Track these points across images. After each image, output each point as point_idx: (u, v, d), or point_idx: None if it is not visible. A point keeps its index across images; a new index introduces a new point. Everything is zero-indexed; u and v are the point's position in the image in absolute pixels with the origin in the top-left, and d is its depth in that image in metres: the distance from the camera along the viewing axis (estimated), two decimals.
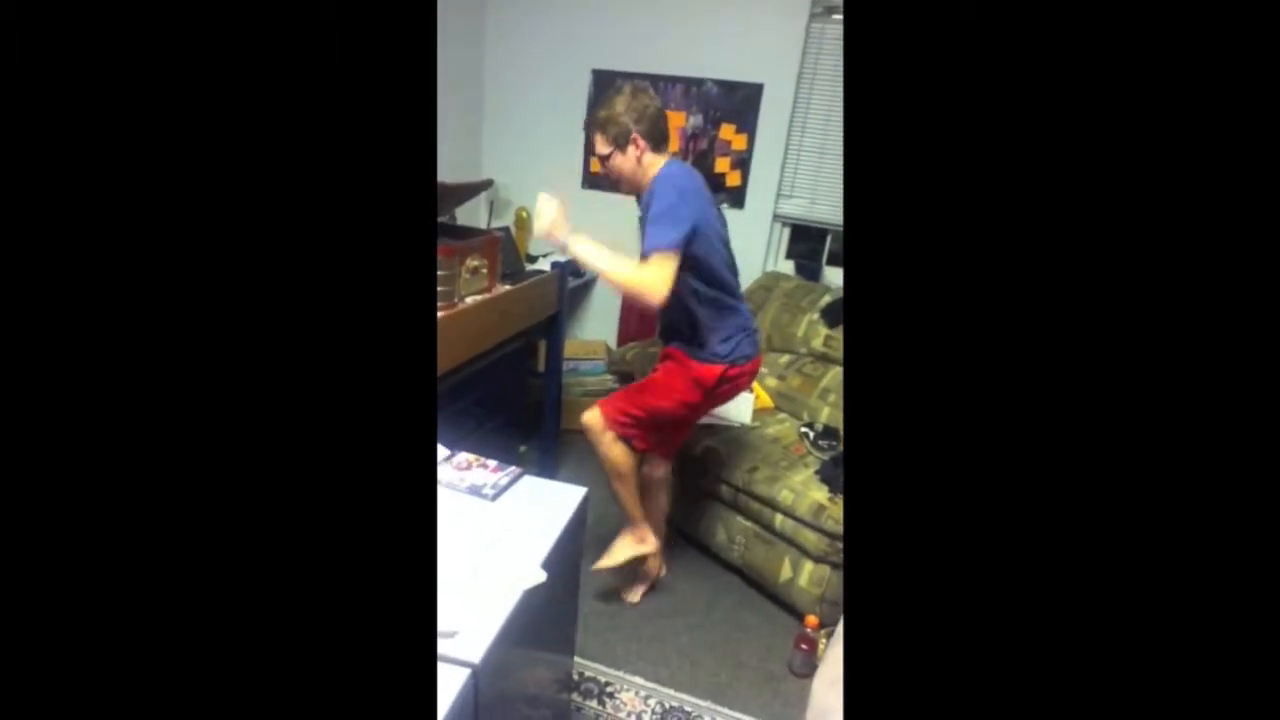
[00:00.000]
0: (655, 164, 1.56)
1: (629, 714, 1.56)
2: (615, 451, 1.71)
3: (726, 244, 1.66)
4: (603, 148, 1.56)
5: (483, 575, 1.04)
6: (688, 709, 1.58)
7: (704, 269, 1.57)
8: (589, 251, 1.50)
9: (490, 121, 3.07)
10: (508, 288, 2.10)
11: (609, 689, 1.62)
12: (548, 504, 1.27)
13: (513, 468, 1.35)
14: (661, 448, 1.84)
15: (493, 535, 1.16)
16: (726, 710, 1.59)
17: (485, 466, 1.34)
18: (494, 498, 1.26)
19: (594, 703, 1.58)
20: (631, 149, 1.54)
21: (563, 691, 1.56)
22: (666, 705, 1.59)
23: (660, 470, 1.88)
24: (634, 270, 1.47)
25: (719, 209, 1.66)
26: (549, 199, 1.56)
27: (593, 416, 1.71)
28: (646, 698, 1.60)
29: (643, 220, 1.58)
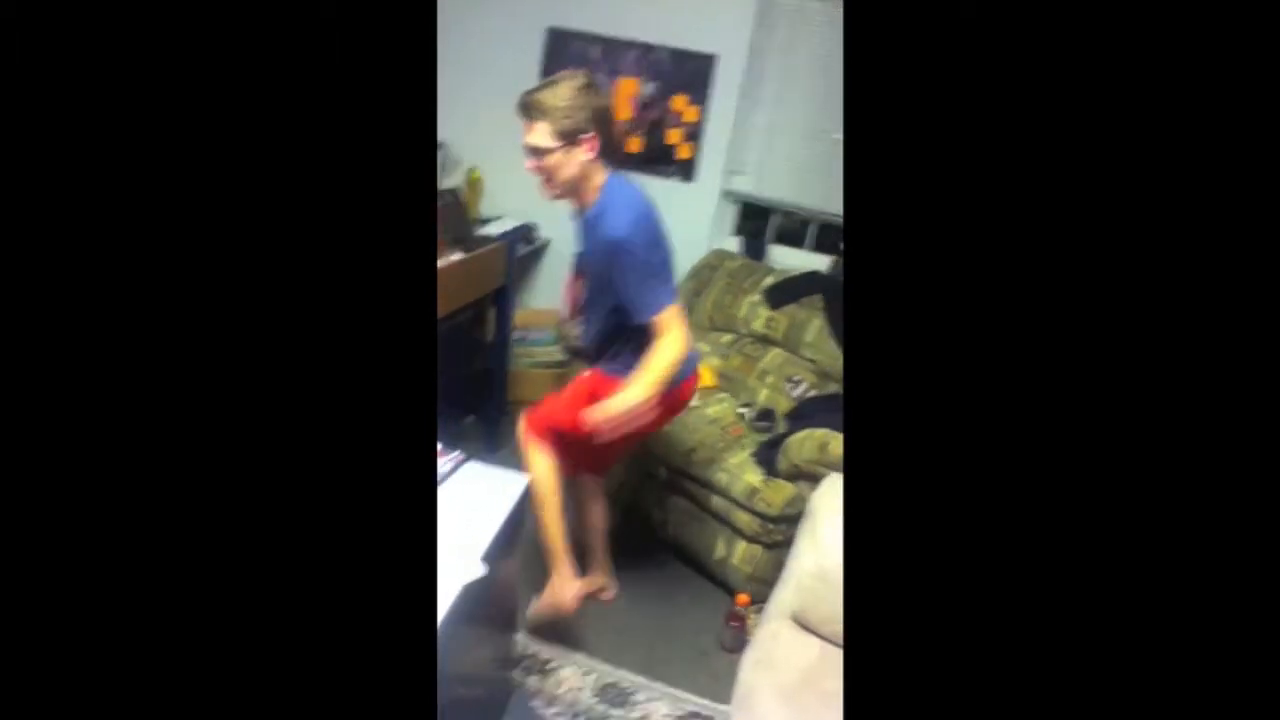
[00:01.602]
0: (597, 175, 1.38)
1: (568, 690, 1.62)
2: (537, 467, 1.56)
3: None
4: (542, 139, 1.31)
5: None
6: (624, 685, 1.65)
7: None
8: (629, 411, 1.36)
9: (441, 73, 2.94)
10: (455, 257, 2.05)
11: (549, 665, 1.66)
12: (491, 492, 1.28)
13: (456, 453, 1.35)
14: (592, 468, 1.74)
15: (440, 524, 1.16)
16: (660, 685, 1.66)
17: None
18: (438, 484, 1.27)
19: (535, 679, 1.63)
20: (580, 151, 1.33)
21: (504, 669, 1.60)
22: (604, 681, 1.65)
23: (592, 485, 1.78)
24: (662, 357, 1.38)
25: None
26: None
27: (520, 424, 1.62)
28: (586, 674, 1.66)
29: (588, 229, 1.44)
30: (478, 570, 1.08)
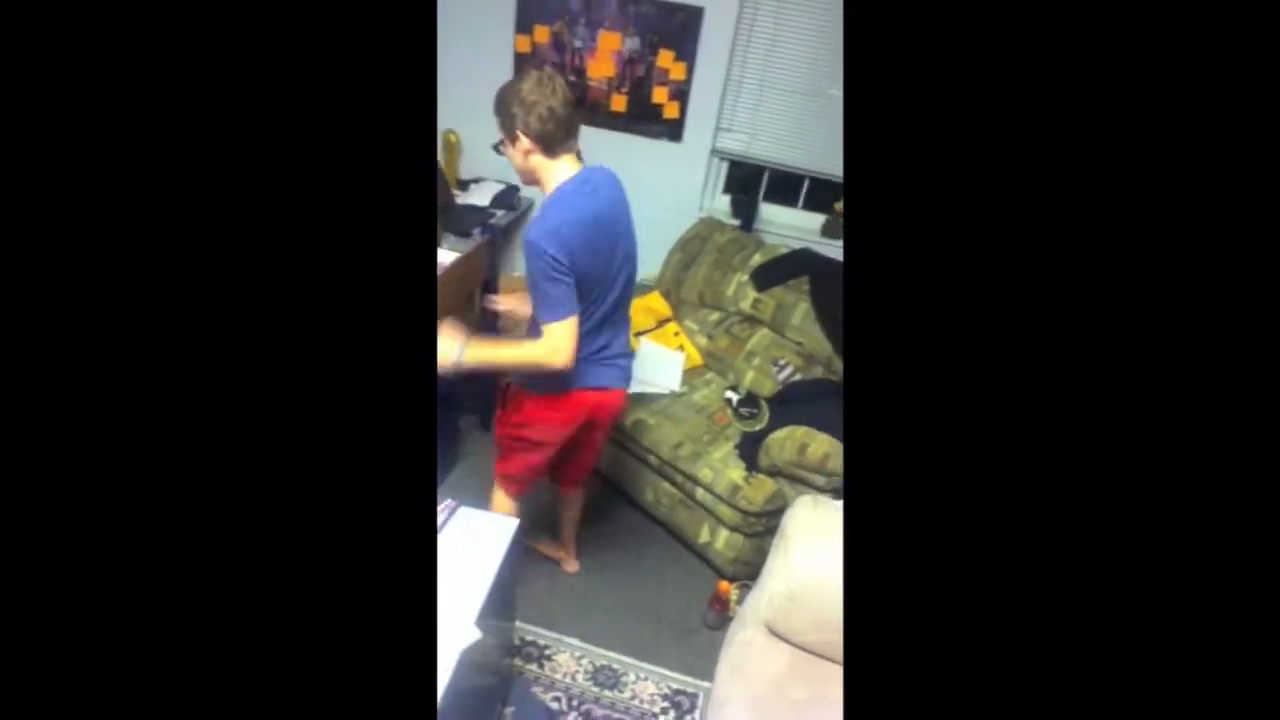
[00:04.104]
0: (549, 169, 1.40)
1: (565, 674, 1.81)
2: (500, 508, 1.75)
3: (616, 258, 1.49)
4: (499, 130, 1.41)
5: None
6: (615, 667, 1.84)
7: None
8: (484, 355, 1.45)
9: None
10: (445, 261, 2.05)
11: (547, 652, 1.85)
12: (483, 541, 1.38)
13: (448, 501, 1.44)
14: (565, 477, 1.89)
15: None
16: (648, 665, 1.85)
17: None
18: None
19: (534, 666, 1.81)
20: (519, 145, 1.38)
21: (506, 657, 1.78)
22: (597, 664, 1.84)
23: (573, 504, 1.97)
24: (533, 348, 1.41)
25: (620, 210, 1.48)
26: (448, 335, 1.44)
27: (497, 499, 1.77)
28: (580, 658, 1.84)
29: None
30: (472, 635, 1.20)
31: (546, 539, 2.11)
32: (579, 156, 1.44)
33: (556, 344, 1.38)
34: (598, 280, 1.45)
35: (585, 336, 1.48)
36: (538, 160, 1.39)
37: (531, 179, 1.45)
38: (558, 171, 1.41)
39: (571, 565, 2.09)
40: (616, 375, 1.62)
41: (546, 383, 1.54)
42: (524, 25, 2.60)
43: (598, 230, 1.40)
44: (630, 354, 1.65)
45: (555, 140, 1.37)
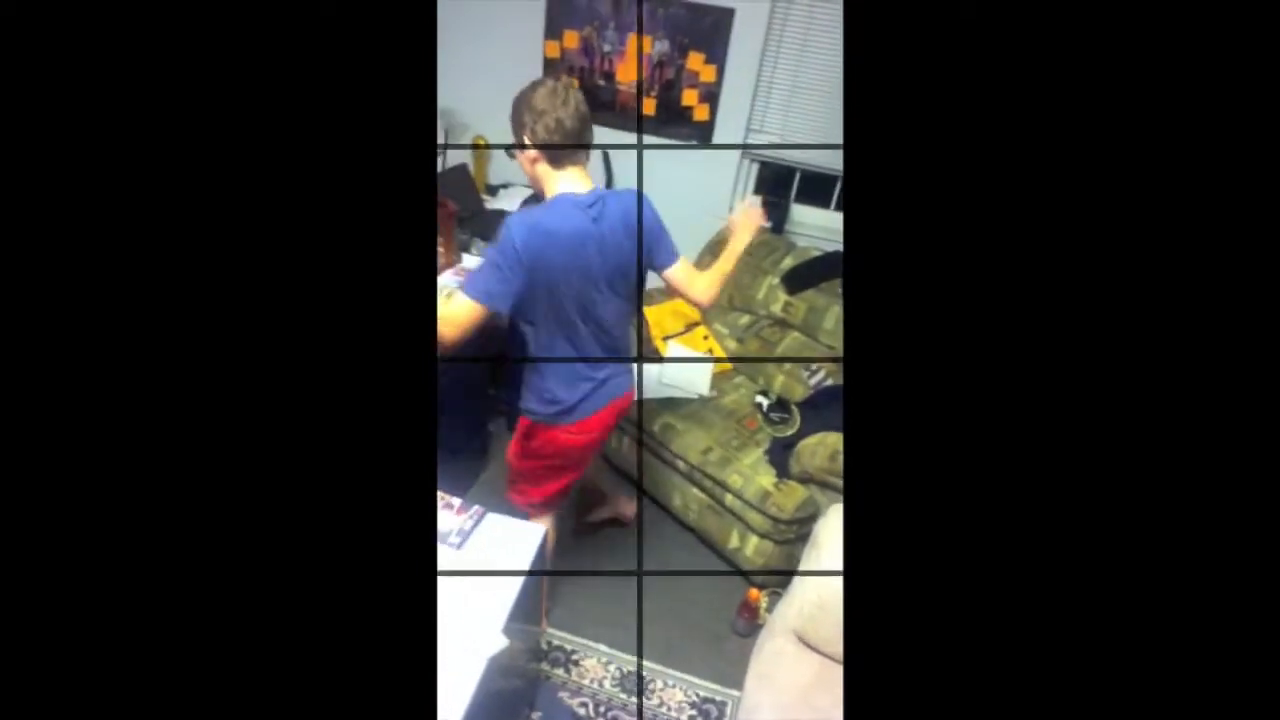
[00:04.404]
0: (552, 180, 1.37)
1: (592, 680, 1.80)
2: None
3: (603, 282, 1.43)
4: (512, 134, 1.40)
5: (450, 643, 1.17)
6: (643, 673, 1.82)
7: (537, 319, 1.44)
8: None
9: (442, 37, 2.80)
10: (466, 267, 2.06)
11: (574, 657, 1.84)
12: (510, 547, 1.38)
13: (476, 507, 1.44)
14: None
15: (461, 592, 1.27)
16: (675, 672, 1.83)
17: (450, 507, 1.43)
18: (460, 545, 1.37)
19: (561, 671, 1.81)
20: (527, 152, 1.36)
21: (533, 661, 1.78)
22: (625, 670, 1.83)
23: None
24: (440, 307, 1.33)
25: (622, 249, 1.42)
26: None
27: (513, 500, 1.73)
28: (607, 664, 1.83)
29: None
30: (499, 643, 1.20)
31: (593, 509, 2.16)
32: (607, 171, 1.43)
33: (454, 315, 1.33)
34: (574, 297, 1.40)
35: (581, 353, 1.48)
36: (543, 169, 1.37)
37: (537, 187, 1.42)
38: (561, 184, 1.37)
39: (630, 508, 2.14)
40: (622, 383, 1.62)
41: (558, 415, 1.54)
42: (553, 31, 2.61)
43: (579, 251, 1.35)
44: (626, 356, 1.63)
45: (561, 152, 1.35)
